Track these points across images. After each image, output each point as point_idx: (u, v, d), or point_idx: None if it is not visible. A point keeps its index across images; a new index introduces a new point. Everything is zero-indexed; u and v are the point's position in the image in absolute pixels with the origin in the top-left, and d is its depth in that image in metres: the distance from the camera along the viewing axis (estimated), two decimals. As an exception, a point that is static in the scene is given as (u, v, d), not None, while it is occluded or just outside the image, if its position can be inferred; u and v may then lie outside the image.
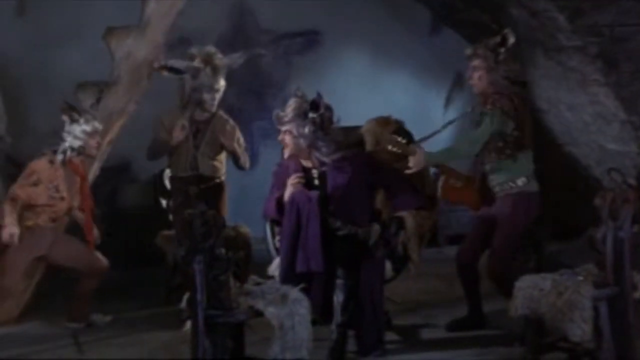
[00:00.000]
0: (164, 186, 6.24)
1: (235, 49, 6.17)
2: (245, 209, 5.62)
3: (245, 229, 5.85)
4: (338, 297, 4.82)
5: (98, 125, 5.56)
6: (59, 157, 5.49)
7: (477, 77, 5.30)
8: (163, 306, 5.90)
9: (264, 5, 7.80)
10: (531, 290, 4.33)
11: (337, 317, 4.81)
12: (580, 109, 6.66)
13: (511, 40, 5.26)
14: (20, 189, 5.46)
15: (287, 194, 4.80)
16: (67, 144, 5.48)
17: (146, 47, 5.89)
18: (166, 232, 6.00)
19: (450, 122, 5.54)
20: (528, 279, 4.42)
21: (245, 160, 5.81)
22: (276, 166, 5.11)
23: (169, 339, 5.31)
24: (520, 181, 5.21)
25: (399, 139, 5.14)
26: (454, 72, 8.33)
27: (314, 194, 4.78)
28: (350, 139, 5.17)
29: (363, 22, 8.01)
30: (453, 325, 5.41)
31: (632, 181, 5.19)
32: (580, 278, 4.32)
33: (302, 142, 4.81)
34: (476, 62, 5.30)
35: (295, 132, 4.80)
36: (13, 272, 5.52)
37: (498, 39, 5.28)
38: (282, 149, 5.55)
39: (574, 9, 5.92)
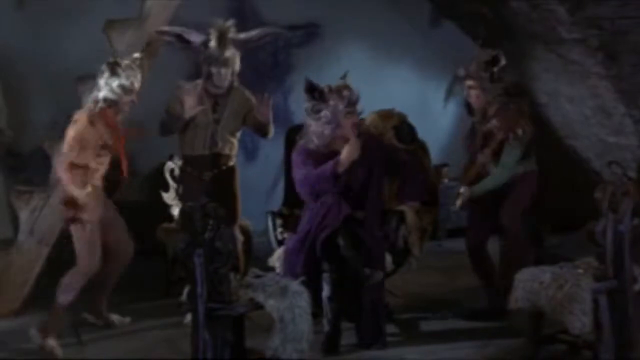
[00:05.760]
0: (165, 179, 6.23)
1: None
2: (246, 201, 5.59)
3: (245, 222, 5.84)
4: (325, 291, 4.83)
5: (137, 84, 5.26)
6: (97, 108, 5.15)
7: (475, 96, 5.38)
8: (163, 299, 5.91)
9: (264, -3, 7.79)
10: (531, 282, 4.34)
11: (326, 311, 4.83)
12: (580, 102, 6.65)
13: (502, 62, 5.34)
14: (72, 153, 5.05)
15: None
16: (100, 95, 5.16)
17: (146, 40, 5.88)
18: (166, 225, 6.00)
19: None
20: (528, 272, 4.43)
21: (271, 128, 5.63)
22: (300, 150, 5.14)
23: (169, 331, 5.32)
24: (525, 164, 5.36)
25: None
26: (454, 65, 8.31)
27: (346, 210, 4.82)
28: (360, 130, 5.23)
29: (363, 15, 7.99)
30: (471, 315, 5.43)
31: (632, 174, 5.22)
32: (580, 271, 4.33)
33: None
34: (470, 82, 5.42)
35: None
36: (93, 248, 5.13)
37: (488, 57, 5.34)
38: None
39: (574, 1, 5.90)
